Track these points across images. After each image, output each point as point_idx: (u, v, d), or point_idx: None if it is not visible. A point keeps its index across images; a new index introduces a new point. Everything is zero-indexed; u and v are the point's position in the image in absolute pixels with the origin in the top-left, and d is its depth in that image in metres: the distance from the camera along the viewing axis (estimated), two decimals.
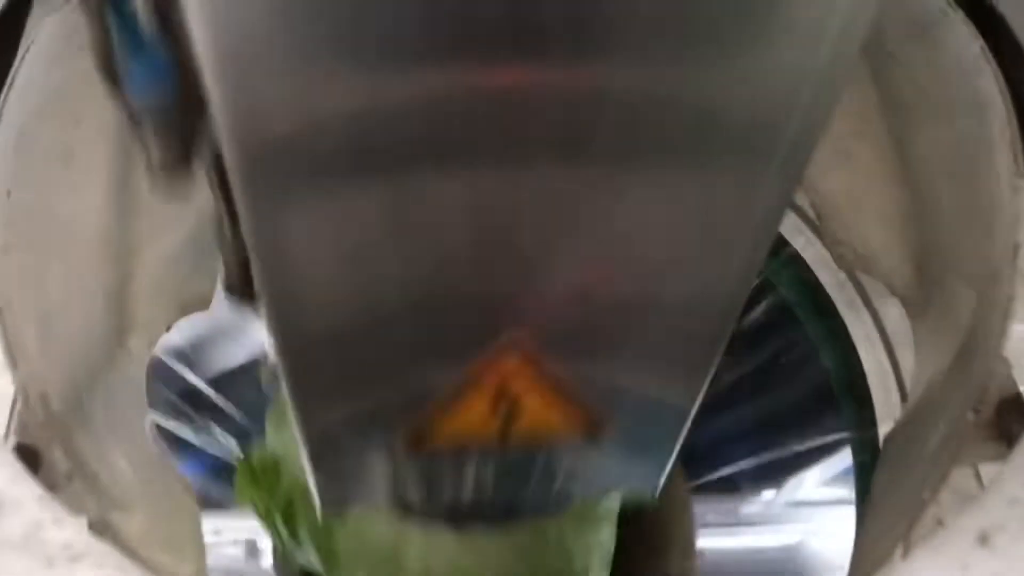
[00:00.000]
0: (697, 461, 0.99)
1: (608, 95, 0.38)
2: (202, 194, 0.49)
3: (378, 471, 0.66)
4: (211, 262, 0.71)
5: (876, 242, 0.72)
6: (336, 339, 0.51)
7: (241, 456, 0.94)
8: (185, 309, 0.69)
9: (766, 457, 0.97)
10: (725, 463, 0.99)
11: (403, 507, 0.72)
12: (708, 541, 0.96)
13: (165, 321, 0.68)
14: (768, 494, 0.99)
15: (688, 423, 0.65)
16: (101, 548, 0.43)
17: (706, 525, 0.96)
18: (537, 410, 0.60)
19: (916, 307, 0.74)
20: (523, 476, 0.71)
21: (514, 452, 0.66)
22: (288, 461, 0.89)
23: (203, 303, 0.70)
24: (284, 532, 0.89)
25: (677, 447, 0.67)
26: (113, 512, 0.52)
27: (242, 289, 0.56)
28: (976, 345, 0.59)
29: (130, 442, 0.62)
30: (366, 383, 0.57)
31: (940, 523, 0.48)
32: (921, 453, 0.65)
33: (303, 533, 0.89)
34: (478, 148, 0.40)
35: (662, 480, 0.71)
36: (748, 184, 0.42)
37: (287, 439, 0.89)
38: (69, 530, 0.43)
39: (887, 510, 0.68)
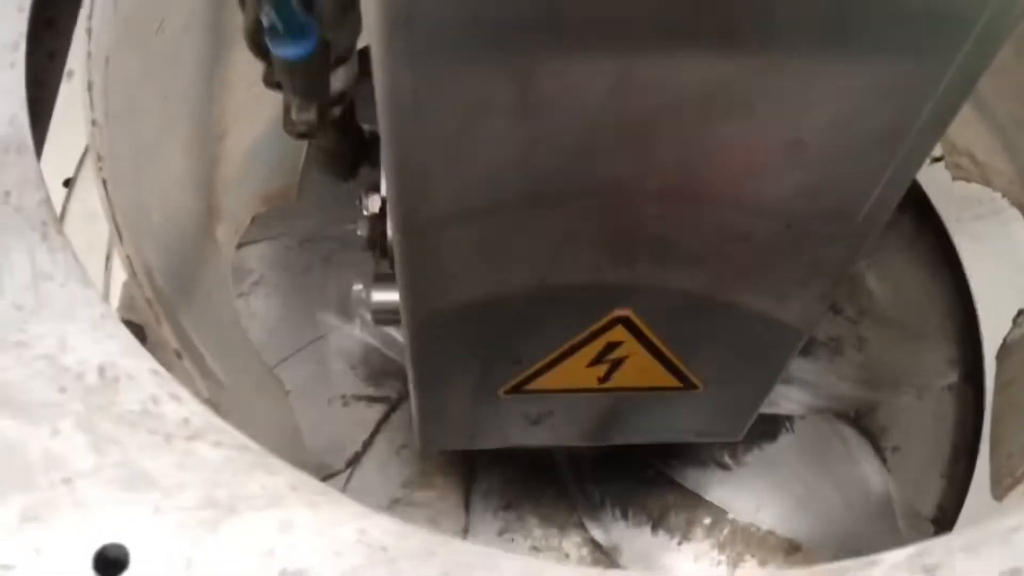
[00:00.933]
0: None
1: None
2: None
3: (477, 414, 0.69)
4: (292, 158, 0.69)
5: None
6: (460, 302, 0.54)
7: None
8: (267, 201, 0.67)
9: None
10: None
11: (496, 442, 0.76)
12: None
13: (248, 212, 0.66)
14: None
15: (776, 381, 0.68)
16: (218, 424, 0.42)
17: None
18: (638, 366, 0.62)
19: None
20: (616, 417, 0.74)
21: (610, 399, 0.68)
22: None
23: (285, 196, 0.68)
24: None
25: (762, 401, 0.71)
26: (221, 393, 0.51)
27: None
28: None
29: (220, 330, 0.60)
30: (481, 341, 0.59)
31: None
32: None
33: None
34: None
35: (746, 427, 0.75)
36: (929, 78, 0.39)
37: None
38: (186, 407, 0.42)
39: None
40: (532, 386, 0.66)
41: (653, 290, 0.56)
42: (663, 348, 0.62)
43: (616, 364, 0.64)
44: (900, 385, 0.97)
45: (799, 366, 0.99)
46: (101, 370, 0.41)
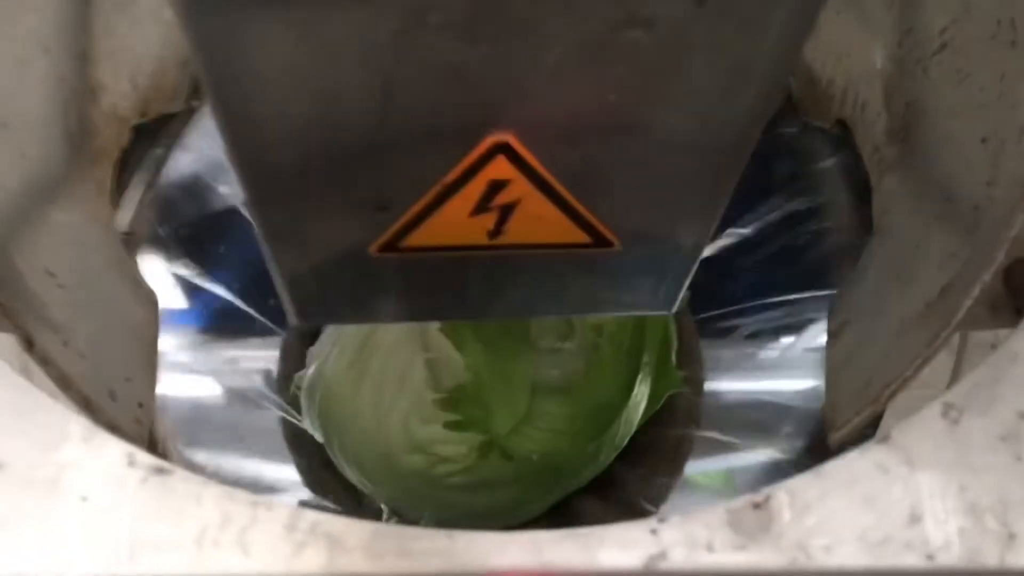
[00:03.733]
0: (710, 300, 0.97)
1: None
2: None
3: (349, 280, 0.59)
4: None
5: None
6: (292, 125, 0.43)
7: None
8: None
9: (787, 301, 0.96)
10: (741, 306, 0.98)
11: (379, 314, 0.65)
12: (723, 383, 0.95)
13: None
14: (787, 340, 0.97)
15: (704, 246, 0.57)
16: None
17: (722, 368, 0.95)
18: (533, 214, 0.52)
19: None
20: (516, 283, 0.63)
21: (506, 258, 0.57)
22: None
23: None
24: None
25: (694, 267, 0.60)
26: (47, 333, 0.48)
27: None
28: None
29: (81, 255, 0.58)
30: (332, 178, 0.49)
31: None
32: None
33: None
34: None
35: (679, 300, 0.65)
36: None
37: None
38: None
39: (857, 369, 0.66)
40: (408, 242, 0.55)
41: (534, 105, 0.45)
42: (559, 189, 0.51)
43: (506, 212, 0.53)
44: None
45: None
46: None
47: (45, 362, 0.50)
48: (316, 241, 0.55)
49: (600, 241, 0.54)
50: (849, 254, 0.87)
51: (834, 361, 0.68)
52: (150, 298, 0.68)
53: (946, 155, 0.67)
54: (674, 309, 0.64)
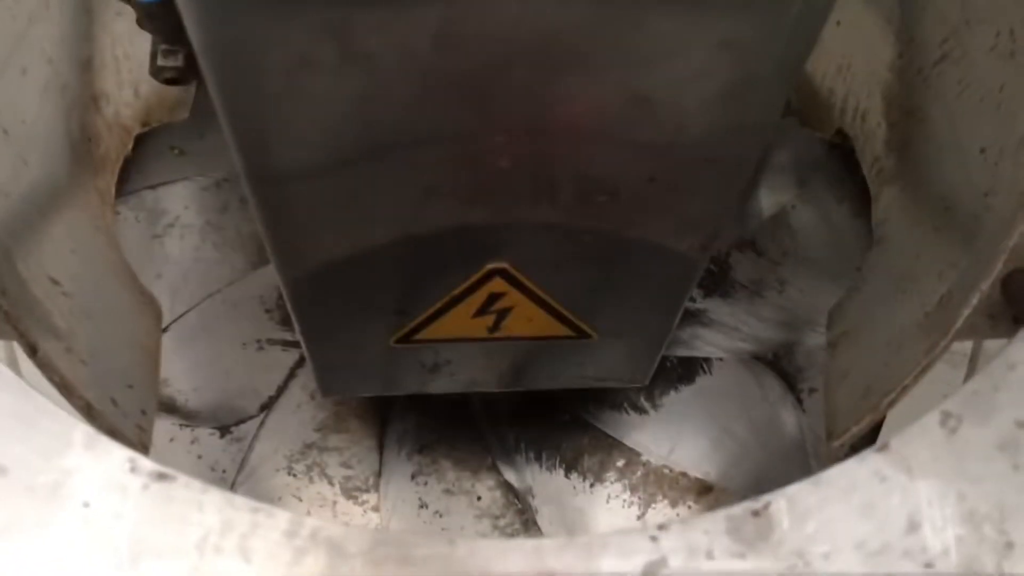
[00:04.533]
0: None
1: None
2: None
3: (371, 363, 0.68)
4: None
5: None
6: (327, 257, 0.53)
7: None
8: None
9: None
10: None
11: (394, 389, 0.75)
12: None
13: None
14: None
15: (668, 335, 0.67)
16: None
17: None
18: (525, 316, 0.61)
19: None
20: (512, 364, 0.73)
21: (503, 346, 0.67)
22: None
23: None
24: None
25: (661, 351, 0.71)
26: (50, 340, 0.49)
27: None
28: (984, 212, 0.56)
29: (84, 263, 0.58)
30: (358, 295, 0.59)
31: None
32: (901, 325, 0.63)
33: None
34: None
35: (651, 372, 0.74)
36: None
37: None
38: None
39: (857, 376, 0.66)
40: (421, 336, 0.65)
41: (526, 240, 0.55)
42: (547, 299, 0.61)
43: (502, 314, 0.63)
44: (818, 326, 0.96)
45: (718, 308, 0.98)
46: None
47: (47, 368, 0.50)
48: (344, 334, 0.64)
49: (581, 334, 0.65)
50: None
51: (833, 370, 0.68)
52: (153, 306, 0.68)
53: (945, 165, 0.67)
54: (647, 382, 0.75)
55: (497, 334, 0.65)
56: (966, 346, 0.65)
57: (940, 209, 0.66)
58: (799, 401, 0.95)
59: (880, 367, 0.61)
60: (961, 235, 0.61)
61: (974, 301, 0.51)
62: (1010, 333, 0.48)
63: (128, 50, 0.72)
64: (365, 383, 0.74)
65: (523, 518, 0.92)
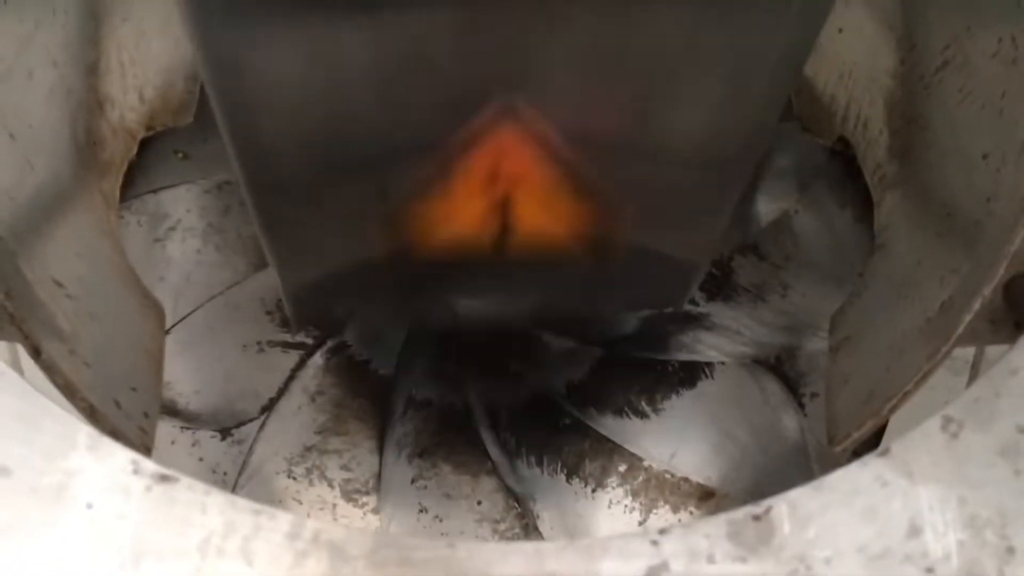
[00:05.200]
0: None
1: None
2: None
3: (356, 281, 0.62)
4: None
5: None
6: (291, 112, 0.43)
7: None
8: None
9: None
10: None
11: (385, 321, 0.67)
12: None
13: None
14: None
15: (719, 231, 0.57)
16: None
17: None
18: (538, 212, 0.52)
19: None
20: (525, 290, 0.66)
21: (513, 265, 0.58)
22: None
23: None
24: None
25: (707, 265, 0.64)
26: (54, 342, 0.49)
27: None
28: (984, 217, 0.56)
29: (89, 266, 0.58)
30: (335, 169, 0.49)
31: None
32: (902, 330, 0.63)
33: None
34: None
35: (687, 297, 0.69)
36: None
37: None
38: None
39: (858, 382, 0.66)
40: (412, 234, 0.55)
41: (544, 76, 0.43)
42: (565, 154, 0.48)
43: (509, 209, 0.53)
44: (820, 331, 0.96)
45: (721, 312, 0.98)
46: None
47: (51, 370, 0.50)
48: (323, 251, 0.58)
49: (604, 247, 0.54)
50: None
51: (835, 375, 0.68)
52: (156, 309, 0.68)
53: (948, 171, 0.68)
54: (682, 307, 0.65)
55: (506, 241, 0.54)
56: (968, 352, 0.65)
57: (942, 215, 0.66)
58: (801, 406, 0.95)
59: (882, 372, 0.61)
60: (963, 241, 0.61)
61: (976, 307, 0.51)
62: (1012, 339, 0.48)
63: (133, 55, 0.72)
64: (345, 307, 0.67)
65: (523, 523, 0.92)
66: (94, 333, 0.58)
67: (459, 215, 0.53)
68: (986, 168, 0.61)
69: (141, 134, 0.75)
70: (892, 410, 0.57)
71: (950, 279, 0.59)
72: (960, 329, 0.52)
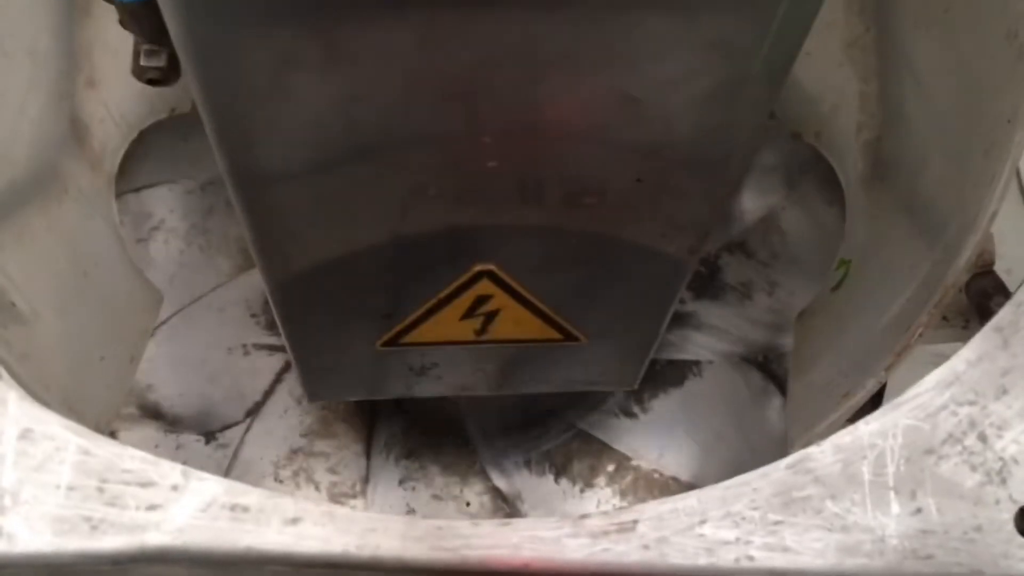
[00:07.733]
0: None
1: None
2: None
3: (358, 367, 0.68)
4: None
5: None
6: (314, 260, 0.52)
7: None
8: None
9: None
10: None
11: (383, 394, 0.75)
12: None
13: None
14: None
15: (656, 339, 0.66)
16: None
17: None
18: (514, 322, 0.61)
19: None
20: (501, 368, 0.72)
21: (494, 351, 0.66)
22: None
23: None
24: None
25: (650, 354, 0.69)
26: (11, 325, 0.48)
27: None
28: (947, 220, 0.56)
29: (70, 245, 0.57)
30: (345, 298, 0.58)
31: None
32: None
33: None
34: None
35: (640, 375, 0.73)
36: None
37: None
38: None
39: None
40: (408, 339, 0.64)
41: (514, 242, 0.55)
42: (535, 301, 0.61)
43: (490, 317, 0.62)
44: None
45: (708, 311, 0.98)
46: None
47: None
48: (330, 337, 0.64)
49: (569, 338, 0.64)
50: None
51: (797, 373, 0.69)
52: (150, 291, 0.67)
53: (916, 174, 0.68)
54: (636, 385, 0.74)
55: (484, 337, 0.64)
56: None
57: (911, 216, 0.66)
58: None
59: (846, 367, 0.61)
60: (928, 241, 0.61)
61: (939, 303, 0.51)
62: (969, 337, 0.48)
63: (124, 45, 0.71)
64: (352, 387, 0.74)
65: None
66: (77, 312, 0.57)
67: (446, 324, 0.62)
68: (952, 172, 0.61)
69: (136, 123, 0.73)
70: (852, 407, 0.57)
71: (913, 277, 0.60)
72: (923, 325, 0.52)
